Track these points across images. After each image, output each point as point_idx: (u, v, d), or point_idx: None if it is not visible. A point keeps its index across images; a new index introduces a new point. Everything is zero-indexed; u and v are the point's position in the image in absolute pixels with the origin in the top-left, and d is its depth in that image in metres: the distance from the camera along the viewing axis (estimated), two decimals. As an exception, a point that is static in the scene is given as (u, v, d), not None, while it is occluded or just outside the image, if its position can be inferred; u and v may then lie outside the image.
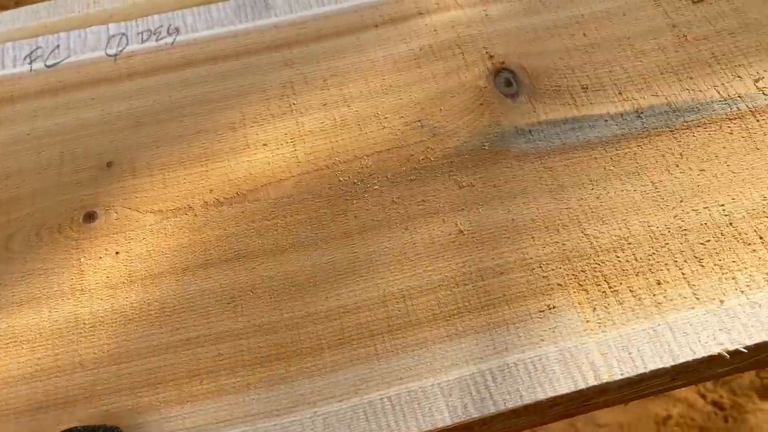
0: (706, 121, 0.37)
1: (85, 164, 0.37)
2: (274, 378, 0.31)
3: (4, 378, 0.31)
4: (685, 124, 0.37)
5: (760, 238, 0.33)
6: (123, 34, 0.42)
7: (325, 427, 0.30)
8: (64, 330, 0.32)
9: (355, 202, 0.35)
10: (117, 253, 0.34)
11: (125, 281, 0.33)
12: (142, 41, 0.41)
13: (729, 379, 1.06)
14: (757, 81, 0.38)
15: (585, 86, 0.38)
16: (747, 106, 0.37)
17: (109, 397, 0.31)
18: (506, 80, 0.39)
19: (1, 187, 0.37)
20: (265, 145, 0.37)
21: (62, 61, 0.41)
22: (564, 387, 0.30)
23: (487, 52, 0.40)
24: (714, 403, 1.03)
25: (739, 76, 0.38)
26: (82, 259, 0.34)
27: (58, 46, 0.41)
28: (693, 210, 0.34)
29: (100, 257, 0.34)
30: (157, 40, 0.41)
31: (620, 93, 0.38)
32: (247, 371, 0.31)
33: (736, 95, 0.38)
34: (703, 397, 1.04)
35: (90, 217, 0.35)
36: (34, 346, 0.32)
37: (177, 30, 0.42)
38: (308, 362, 0.31)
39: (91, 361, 0.31)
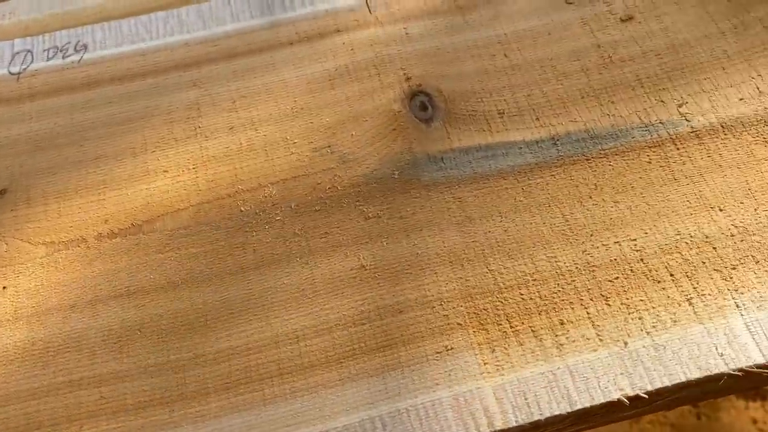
0: (624, 149, 0.36)
1: (-22, 191, 0.35)
2: (156, 424, 0.30)
3: None
4: (602, 152, 0.36)
5: (671, 275, 0.32)
6: (28, 50, 0.40)
7: (205, 477, 0.28)
8: (-58, 371, 0.31)
9: (254, 234, 0.34)
10: (4, 287, 0.33)
11: (10, 318, 0.32)
12: (48, 59, 0.39)
13: None
14: (680, 106, 0.37)
15: (501, 111, 0.37)
16: (668, 132, 0.36)
17: (-16, 443, 0.29)
18: (422, 104, 0.37)
19: None
20: (165, 171, 0.36)
21: (-37, 79, 0.39)
22: (455, 434, 0.29)
23: (404, 74, 0.38)
24: None
25: (662, 101, 0.37)
26: (-35, 295, 0.33)
27: (-41, 63, 0.39)
28: (603, 245, 0.33)
29: (-15, 292, 0.33)
30: (63, 57, 0.40)
31: (537, 119, 0.37)
32: (129, 416, 0.30)
33: (658, 121, 0.36)
34: None
35: (-23, 249, 0.34)
36: None
37: (85, 47, 0.40)
38: (193, 407, 0.30)
39: (-34, 405, 0.30)
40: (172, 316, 0.32)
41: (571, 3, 0.41)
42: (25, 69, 0.39)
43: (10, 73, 0.39)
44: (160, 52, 0.40)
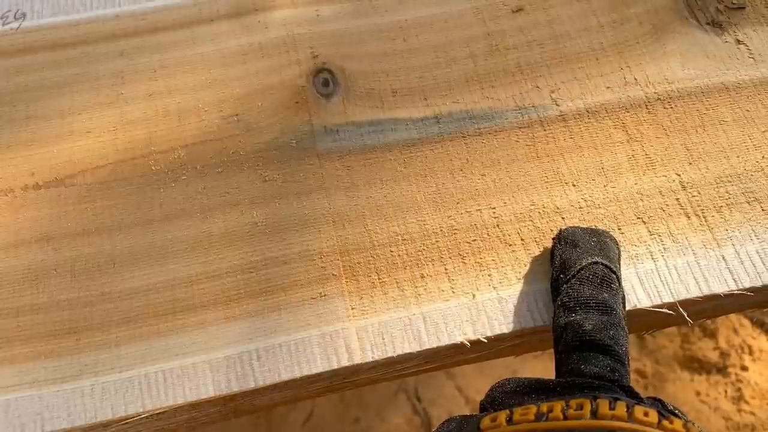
0: (497, 129, 0.40)
1: None
2: (64, 349, 0.34)
3: None
4: (477, 131, 0.40)
5: (522, 240, 0.37)
6: (-29, 16, 0.43)
7: (102, 394, 0.33)
8: None
9: (162, 190, 0.38)
10: (-63, 229, 0.37)
11: (-58, 256, 0.36)
12: (-12, 25, 0.43)
13: (654, 349, 1.13)
14: (552, 92, 0.41)
15: (395, 90, 0.41)
16: (538, 115, 0.40)
17: None
18: (324, 80, 0.42)
19: None
20: (88, 132, 0.40)
21: None
22: (319, 367, 0.34)
23: (312, 52, 0.43)
24: (637, 371, 1.09)
25: (537, 86, 0.41)
26: None
27: None
28: (467, 211, 0.38)
29: None
30: (3, 24, 0.43)
31: (425, 98, 0.41)
32: (41, 342, 0.35)
33: (531, 105, 0.41)
34: None
35: None
36: None
37: (24, 15, 0.44)
38: (97, 337, 0.35)
39: None
40: (85, 259, 0.36)
41: (469, -7, 0.45)
42: (-33, 33, 0.43)
43: (-48, 36, 0.43)
44: (92, 23, 0.43)
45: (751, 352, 1.09)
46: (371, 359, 0.34)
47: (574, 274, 0.32)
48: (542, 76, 0.42)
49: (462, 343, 0.34)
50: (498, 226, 0.37)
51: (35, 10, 0.44)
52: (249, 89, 0.41)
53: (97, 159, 0.39)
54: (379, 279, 0.36)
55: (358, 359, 0.34)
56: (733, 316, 1.14)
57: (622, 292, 0.33)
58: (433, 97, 0.41)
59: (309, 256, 0.37)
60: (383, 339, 0.34)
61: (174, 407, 0.33)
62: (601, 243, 0.34)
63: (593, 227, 0.36)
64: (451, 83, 0.42)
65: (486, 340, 0.35)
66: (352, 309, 0.35)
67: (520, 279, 0.36)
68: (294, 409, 1.06)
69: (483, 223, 0.37)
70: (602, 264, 0.33)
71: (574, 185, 0.38)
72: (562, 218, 0.37)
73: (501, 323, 0.35)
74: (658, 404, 0.27)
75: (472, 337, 0.35)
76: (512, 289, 0.36)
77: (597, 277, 0.32)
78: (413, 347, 0.34)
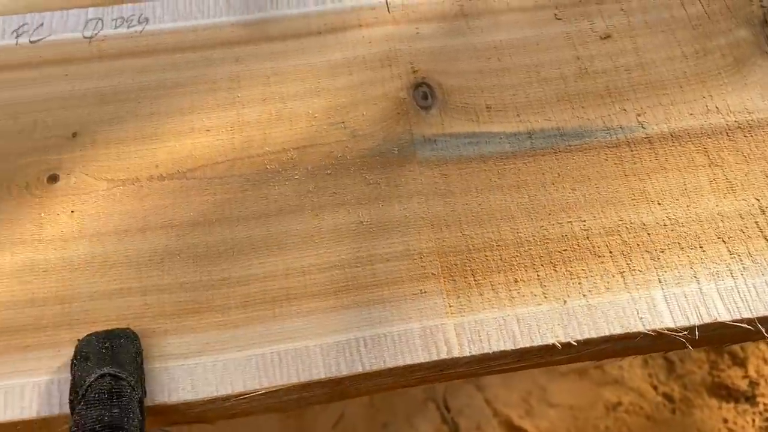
0: (587, 147, 0.43)
1: (54, 132, 0.43)
2: (187, 328, 0.38)
3: (-31, 306, 0.38)
4: (568, 147, 0.43)
5: (610, 252, 0.40)
6: (99, 18, 0.47)
7: (223, 370, 0.36)
8: (21, 271, 0.39)
9: (276, 187, 0.42)
10: (72, 211, 0.41)
11: (76, 236, 0.40)
12: (115, 27, 0.47)
13: (682, 374, 1.14)
14: (639, 115, 0.44)
15: (489, 106, 0.44)
16: (625, 136, 0.43)
17: (52, 329, 0.37)
18: (423, 94, 0.45)
19: (-19, 146, 0.43)
20: (208, 130, 0.43)
21: (44, 38, 0.47)
22: (421, 357, 0.37)
23: (412, 67, 0.46)
24: (665, 395, 1.11)
25: (624, 109, 0.44)
26: (42, 214, 0.40)
27: (42, 24, 0.47)
28: (558, 223, 0.40)
29: (58, 214, 0.41)
30: (128, 27, 0.47)
31: (518, 115, 0.44)
32: (167, 320, 0.38)
33: (618, 126, 0.43)
34: (655, 388, 1.11)
35: (53, 178, 0.42)
36: (-5, 282, 0.39)
37: (146, 20, 0.47)
38: (217, 317, 0.38)
39: (40, 299, 0.38)
40: (206, 246, 0.40)
41: (560, 19, 0.48)
42: (96, 34, 0.47)
43: (84, 36, 0.47)
44: (209, 30, 0.47)
45: (780, 383, 1.09)
46: (468, 354, 0.37)
47: (83, 395, 0.33)
48: (629, 99, 0.44)
49: (554, 344, 0.37)
50: (588, 238, 0.40)
51: (157, 16, 0.48)
52: (354, 99, 0.45)
53: (216, 155, 0.42)
54: (474, 280, 0.39)
55: (456, 353, 0.37)
56: (763, 346, 1.14)
57: (139, 392, 0.34)
58: (526, 113, 0.44)
59: (410, 255, 0.39)
60: (479, 336, 0.37)
61: (287, 386, 0.36)
62: (114, 347, 0.35)
63: (110, 330, 0.36)
64: (542, 102, 0.44)
65: (576, 343, 0.37)
66: (450, 306, 0.38)
67: (608, 288, 0.38)
68: (325, 411, 1.09)
69: (573, 235, 0.40)
70: (110, 375, 0.33)
71: (659, 204, 0.41)
72: (648, 234, 0.40)
73: (590, 328, 0.37)
74: None
75: (563, 340, 0.37)
76: (601, 298, 0.38)
77: (104, 393, 0.33)
78: (508, 345, 0.37)
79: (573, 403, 1.11)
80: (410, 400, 1.10)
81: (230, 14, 0.48)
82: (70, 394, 0.34)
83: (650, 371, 1.13)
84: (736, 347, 1.13)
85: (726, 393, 1.10)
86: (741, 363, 1.12)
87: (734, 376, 1.11)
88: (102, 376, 0.33)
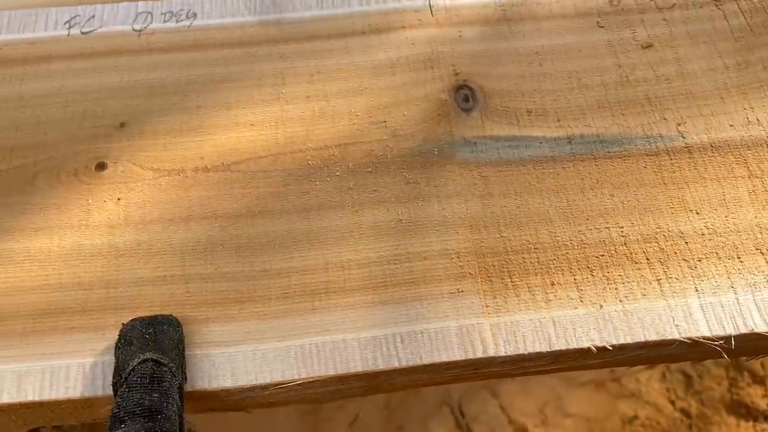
0: (627, 154, 0.43)
1: (103, 122, 0.44)
2: (228, 316, 0.38)
3: (18, 287, 0.39)
4: (607, 154, 0.43)
5: (647, 259, 0.40)
6: (149, 12, 0.48)
7: (263, 360, 0.37)
8: (69, 255, 0.40)
9: (318, 183, 0.42)
10: (119, 199, 0.42)
11: (122, 223, 0.41)
12: (164, 21, 0.48)
13: (700, 390, 1.13)
14: (679, 125, 0.44)
15: (530, 110, 0.45)
16: (665, 145, 0.43)
17: (97, 312, 0.39)
18: (465, 96, 0.45)
19: (32, 132, 0.44)
20: (252, 125, 0.44)
21: (95, 30, 0.48)
22: (457, 355, 0.37)
23: (453, 70, 0.46)
24: (682, 411, 1.10)
25: (665, 118, 0.44)
26: (90, 201, 0.42)
27: (93, 16, 0.48)
28: (596, 228, 0.41)
29: (105, 201, 0.42)
30: (176, 21, 0.48)
31: (558, 120, 0.44)
32: (209, 308, 0.39)
33: (658, 135, 0.44)
34: (673, 403, 1.10)
35: (101, 166, 0.43)
36: (44, 265, 0.40)
37: (195, 15, 0.48)
38: (258, 308, 0.39)
39: (86, 283, 0.39)
40: (248, 237, 0.41)
41: (602, 27, 0.48)
42: (145, 27, 0.48)
43: (133, 29, 0.48)
44: (255, 27, 0.48)
45: (800, 403, 1.08)
46: (503, 354, 0.37)
47: (126, 378, 0.34)
48: (669, 109, 0.45)
49: (589, 348, 0.37)
50: (625, 244, 0.40)
51: (205, 11, 0.49)
52: (396, 99, 0.45)
53: (260, 149, 0.43)
54: (511, 282, 0.39)
55: (491, 352, 0.37)
56: (784, 367, 1.13)
57: (179, 378, 0.35)
58: (566, 119, 0.44)
59: (448, 254, 0.40)
60: (515, 337, 0.38)
61: (325, 377, 0.37)
62: (157, 333, 0.35)
63: (154, 316, 0.37)
64: (583, 108, 0.45)
65: (611, 348, 0.37)
66: (487, 306, 0.38)
67: (645, 295, 0.39)
68: (340, 411, 1.10)
69: (611, 240, 0.40)
70: (152, 360, 0.34)
71: (697, 213, 0.41)
72: (686, 242, 0.40)
73: (626, 333, 0.38)
74: None
75: (599, 344, 0.37)
76: (637, 304, 0.38)
77: (146, 377, 0.33)
78: (543, 347, 0.37)
79: (589, 415, 1.10)
80: (425, 404, 1.11)
81: (276, 12, 0.49)
82: (114, 377, 0.35)
83: (668, 386, 1.12)
84: (757, 365, 1.12)
85: (745, 411, 1.08)
86: (761, 381, 1.11)
87: (754, 395, 1.10)
88: (144, 360, 0.34)
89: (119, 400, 0.33)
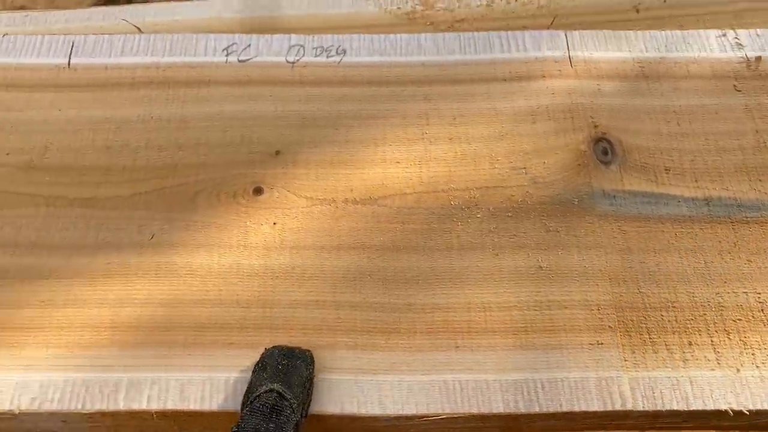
0: (764, 220, 0.44)
1: (258, 148, 0.47)
2: (376, 346, 0.41)
3: (179, 299, 0.42)
4: (745, 218, 0.44)
5: (785, 327, 0.40)
6: (301, 45, 0.51)
7: (409, 391, 0.39)
8: (228, 273, 0.43)
9: (459, 224, 0.44)
10: (275, 223, 0.44)
11: (278, 246, 0.44)
12: (315, 55, 0.51)
13: None
14: (818, 195, 0.45)
15: (668, 168, 0.46)
16: (803, 214, 0.44)
17: (252, 330, 0.41)
18: (604, 149, 0.47)
19: (193, 153, 0.47)
20: (398, 162, 0.47)
21: (251, 59, 0.51)
22: (595, 405, 0.38)
23: (592, 121, 0.48)
24: None
25: (803, 187, 0.45)
26: (248, 223, 0.44)
27: (249, 45, 0.52)
28: (733, 292, 0.42)
29: (262, 224, 0.44)
30: (327, 56, 0.51)
31: (696, 181, 0.45)
32: (358, 335, 0.41)
33: (797, 204, 0.44)
34: None
35: (258, 191, 0.46)
36: (204, 281, 0.43)
37: (344, 51, 0.51)
38: (404, 340, 0.41)
39: (244, 301, 0.42)
40: (394, 271, 0.43)
41: (739, 91, 0.49)
42: (297, 60, 0.51)
43: (287, 61, 0.51)
44: (401, 67, 0.50)
45: None
46: (641, 408, 0.38)
47: (251, 401, 0.35)
48: (808, 178, 0.45)
49: (726, 410, 0.38)
50: (763, 310, 0.41)
51: (354, 48, 0.51)
52: (536, 146, 0.47)
53: (405, 186, 0.46)
54: (650, 338, 0.40)
55: (629, 406, 0.38)
56: None
57: (298, 415, 0.35)
58: (704, 180, 0.45)
59: (588, 305, 0.41)
60: (653, 393, 0.39)
61: (467, 415, 0.38)
62: (290, 366, 0.37)
63: (292, 348, 0.38)
64: (720, 170, 0.46)
65: (748, 413, 0.38)
66: (626, 361, 0.40)
67: (783, 363, 0.39)
68: None
69: (749, 306, 0.41)
70: (277, 392, 0.35)
71: (836, 285, 0.41)
72: (824, 314, 0.41)
73: (763, 400, 0.38)
74: None
75: (735, 408, 0.38)
76: (774, 371, 0.39)
77: (267, 407, 0.35)
78: (681, 406, 0.38)
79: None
80: None
81: (421, 54, 0.51)
82: (244, 396, 0.37)
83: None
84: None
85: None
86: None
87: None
88: (270, 390, 0.36)
89: (240, 421, 0.35)
